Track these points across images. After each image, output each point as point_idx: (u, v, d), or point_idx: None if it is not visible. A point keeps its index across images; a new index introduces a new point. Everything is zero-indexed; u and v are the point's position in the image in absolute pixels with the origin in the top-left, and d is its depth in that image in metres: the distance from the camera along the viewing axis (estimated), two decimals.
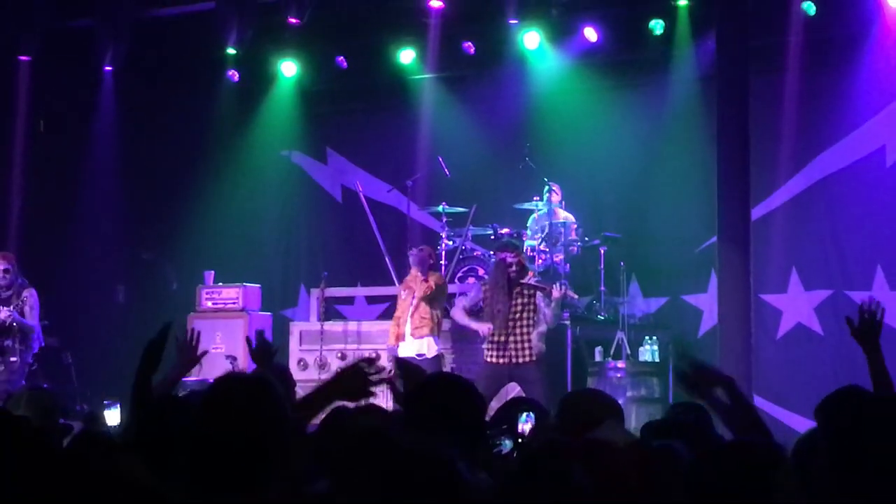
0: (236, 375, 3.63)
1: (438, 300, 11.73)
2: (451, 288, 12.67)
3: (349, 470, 3.00)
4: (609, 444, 3.56)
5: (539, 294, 11.14)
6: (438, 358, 11.69)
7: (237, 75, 15.21)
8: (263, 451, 3.23)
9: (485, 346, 11.25)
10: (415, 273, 11.74)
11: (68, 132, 15.25)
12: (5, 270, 11.71)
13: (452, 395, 4.03)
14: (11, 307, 11.61)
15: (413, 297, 11.66)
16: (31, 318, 11.69)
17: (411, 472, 2.93)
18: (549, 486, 3.12)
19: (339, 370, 4.20)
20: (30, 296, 11.76)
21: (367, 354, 12.67)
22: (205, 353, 5.32)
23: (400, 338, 11.71)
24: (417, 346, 11.59)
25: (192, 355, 5.02)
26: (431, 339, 11.62)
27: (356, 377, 4.00)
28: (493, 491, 3.26)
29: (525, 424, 4.87)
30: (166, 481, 3.34)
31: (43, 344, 12.00)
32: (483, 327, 11.12)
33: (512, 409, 5.16)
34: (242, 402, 3.31)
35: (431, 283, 11.62)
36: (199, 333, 5.23)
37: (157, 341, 4.68)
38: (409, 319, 11.66)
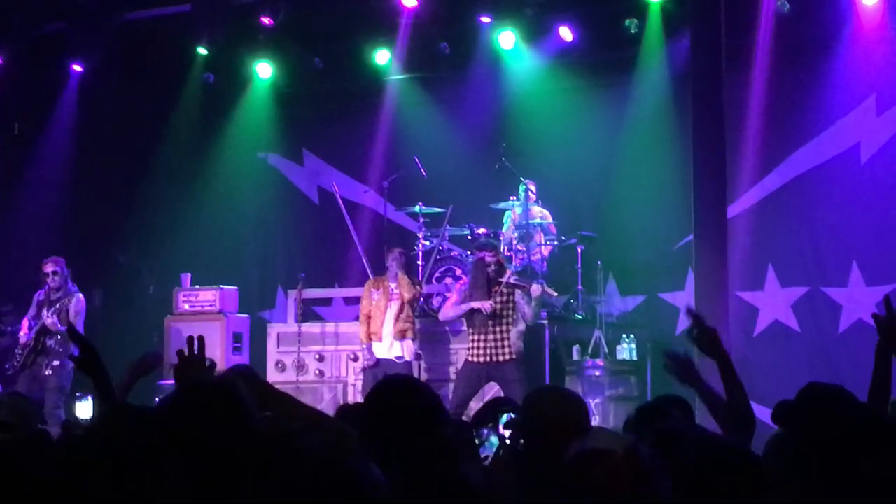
0: (201, 382, 3.63)
1: (416, 303, 11.83)
2: (428, 289, 12.70)
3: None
4: (606, 452, 3.56)
5: (518, 292, 11.19)
6: (414, 362, 11.75)
7: (212, 77, 15.18)
8: (230, 457, 3.23)
9: (467, 345, 11.31)
10: (396, 274, 11.74)
11: (40, 135, 15.22)
12: (53, 273, 12.07)
13: (404, 393, 4.02)
14: (56, 307, 11.95)
15: (391, 299, 11.69)
16: (76, 322, 11.91)
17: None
18: None
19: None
20: (76, 301, 12.07)
21: (344, 355, 12.78)
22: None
23: (374, 337, 11.73)
24: (397, 348, 11.63)
25: (152, 362, 5.05)
26: (410, 342, 11.67)
27: None
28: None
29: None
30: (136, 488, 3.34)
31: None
32: (485, 304, 11.14)
33: (492, 409, 5.17)
34: (207, 409, 3.32)
35: (419, 287, 11.72)
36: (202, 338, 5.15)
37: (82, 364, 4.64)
38: (390, 321, 11.68)
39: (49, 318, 11.93)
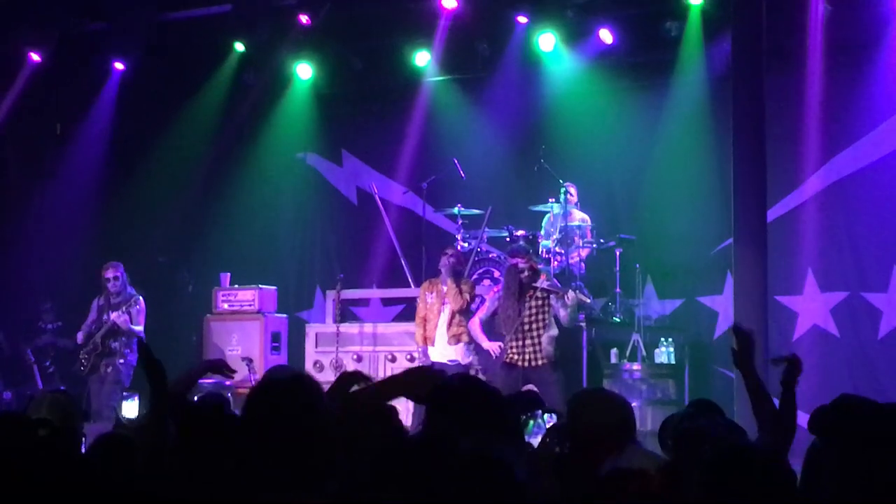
0: (276, 376, 3.67)
1: (467, 311, 11.77)
2: None
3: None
4: (640, 473, 3.56)
5: (553, 296, 11.18)
6: (469, 365, 11.73)
7: (252, 79, 15.25)
8: (309, 449, 3.25)
9: (504, 347, 11.32)
10: (447, 280, 11.69)
11: (80, 134, 15.33)
12: (114, 278, 12.37)
13: (477, 394, 4.05)
14: (123, 310, 12.21)
15: (444, 303, 11.66)
16: (137, 323, 12.30)
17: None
18: None
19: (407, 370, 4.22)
20: (137, 303, 12.36)
21: (382, 356, 12.75)
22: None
23: (429, 341, 11.73)
24: (451, 351, 11.62)
25: (213, 367, 5.07)
26: (464, 346, 11.65)
27: (423, 380, 4.06)
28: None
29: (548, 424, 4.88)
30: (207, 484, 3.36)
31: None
32: (493, 347, 11.19)
33: (526, 401, 5.18)
34: (286, 402, 3.34)
35: (467, 295, 11.65)
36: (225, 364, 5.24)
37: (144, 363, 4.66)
38: (443, 325, 11.66)
39: (121, 317, 12.17)
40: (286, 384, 3.45)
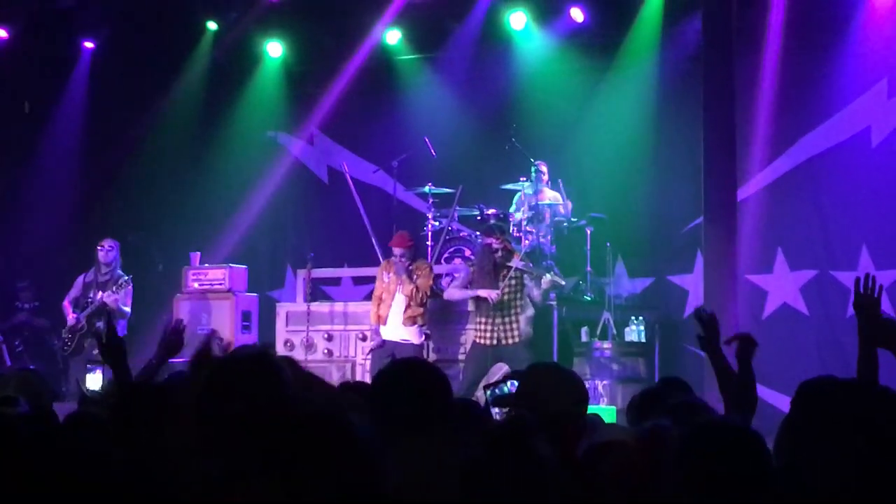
0: (238, 355, 3.60)
1: (429, 289, 11.75)
2: (438, 269, 12.68)
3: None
4: (619, 443, 3.57)
5: (526, 276, 11.20)
6: (422, 346, 11.73)
7: (223, 56, 15.18)
8: (267, 431, 3.22)
9: (474, 327, 11.31)
10: (402, 275, 11.65)
11: (50, 113, 15.24)
12: (110, 248, 12.48)
13: (418, 375, 4.01)
14: (114, 289, 12.23)
15: (400, 285, 11.62)
16: (125, 304, 12.38)
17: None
18: (513, 462, 3.14)
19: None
20: (128, 283, 12.41)
21: (353, 335, 12.73)
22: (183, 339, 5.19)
23: (381, 320, 11.71)
24: (405, 332, 11.60)
25: (177, 343, 4.97)
26: (418, 328, 11.64)
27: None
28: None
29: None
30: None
31: (125, 332, 12.33)
32: (492, 293, 11.13)
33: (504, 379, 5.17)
34: (245, 381, 3.30)
35: (425, 280, 11.58)
36: (183, 323, 5.19)
37: (107, 345, 4.61)
38: (399, 305, 11.63)
39: (111, 297, 12.13)
40: (246, 362, 3.41)
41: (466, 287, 11.47)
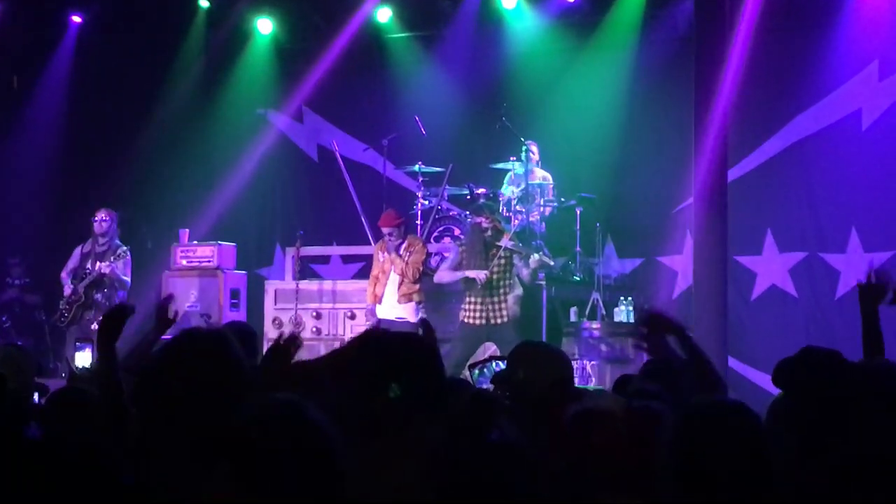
0: (193, 332, 3.56)
1: (423, 265, 11.72)
2: (428, 248, 12.67)
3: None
4: (605, 413, 3.55)
5: (516, 256, 11.21)
6: (418, 323, 11.69)
7: (212, 32, 15.12)
8: (223, 409, 3.18)
9: (462, 307, 11.30)
10: (399, 246, 11.64)
11: (37, 88, 15.17)
12: (103, 220, 12.39)
13: (409, 347, 3.96)
14: (112, 260, 12.16)
15: (392, 264, 11.61)
16: (125, 274, 12.35)
17: None
18: (472, 448, 3.11)
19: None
20: (126, 254, 12.38)
21: (342, 313, 12.71)
22: (174, 314, 5.11)
23: (377, 299, 11.70)
24: (401, 309, 11.59)
25: (166, 318, 4.92)
26: (414, 305, 11.63)
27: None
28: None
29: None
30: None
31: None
32: (479, 274, 11.13)
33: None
34: (198, 359, 3.27)
35: (417, 256, 11.57)
36: (173, 296, 5.15)
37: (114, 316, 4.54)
38: (393, 283, 11.62)
39: (109, 267, 12.06)
40: (202, 342, 3.39)
41: (456, 269, 11.45)
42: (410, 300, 11.61)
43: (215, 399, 3.21)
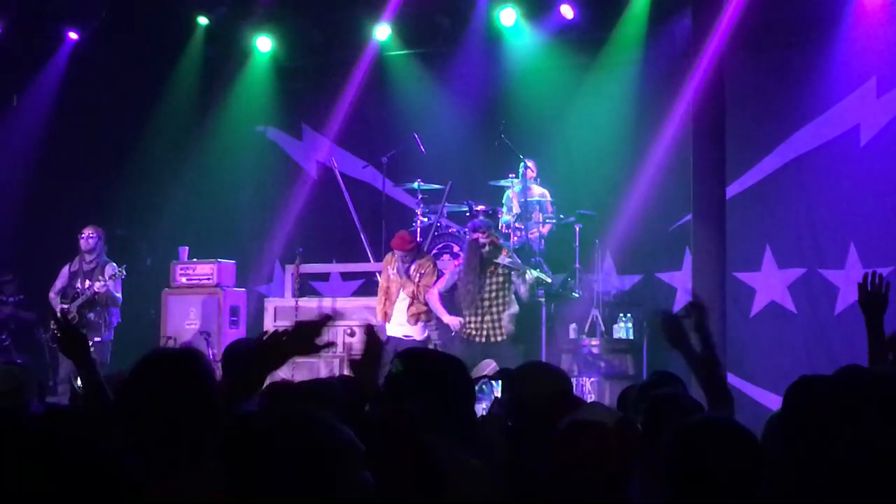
0: (162, 352, 3.63)
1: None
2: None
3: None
4: (597, 424, 3.57)
5: (513, 273, 11.22)
6: (425, 340, 11.73)
7: (212, 50, 15.15)
8: (190, 427, 3.24)
9: (463, 323, 11.33)
10: (409, 269, 11.65)
11: (34, 104, 15.17)
12: (90, 237, 12.39)
13: (439, 364, 4.02)
14: (102, 281, 12.18)
15: (402, 285, 11.63)
16: (116, 290, 12.34)
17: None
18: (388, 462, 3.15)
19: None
20: (120, 273, 12.36)
21: (341, 331, 12.67)
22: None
23: (388, 317, 11.72)
24: (409, 328, 11.61)
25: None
26: (423, 324, 11.67)
27: (308, 331, 3.89)
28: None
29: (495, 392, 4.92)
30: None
31: (120, 320, 12.28)
32: (454, 321, 11.20)
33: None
34: (166, 378, 3.32)
35: (428, 279, 11.57)
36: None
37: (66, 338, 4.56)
38: (403, 302, 11.63)
39: (102, 287, 12.14)
40: (170, 360, 3.43)
41: (453, 287, 11.47)
42: (419, 320, 11.66)
43: (185, 413, 3.27)
